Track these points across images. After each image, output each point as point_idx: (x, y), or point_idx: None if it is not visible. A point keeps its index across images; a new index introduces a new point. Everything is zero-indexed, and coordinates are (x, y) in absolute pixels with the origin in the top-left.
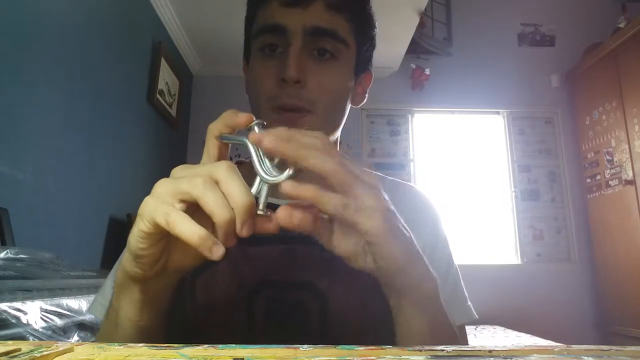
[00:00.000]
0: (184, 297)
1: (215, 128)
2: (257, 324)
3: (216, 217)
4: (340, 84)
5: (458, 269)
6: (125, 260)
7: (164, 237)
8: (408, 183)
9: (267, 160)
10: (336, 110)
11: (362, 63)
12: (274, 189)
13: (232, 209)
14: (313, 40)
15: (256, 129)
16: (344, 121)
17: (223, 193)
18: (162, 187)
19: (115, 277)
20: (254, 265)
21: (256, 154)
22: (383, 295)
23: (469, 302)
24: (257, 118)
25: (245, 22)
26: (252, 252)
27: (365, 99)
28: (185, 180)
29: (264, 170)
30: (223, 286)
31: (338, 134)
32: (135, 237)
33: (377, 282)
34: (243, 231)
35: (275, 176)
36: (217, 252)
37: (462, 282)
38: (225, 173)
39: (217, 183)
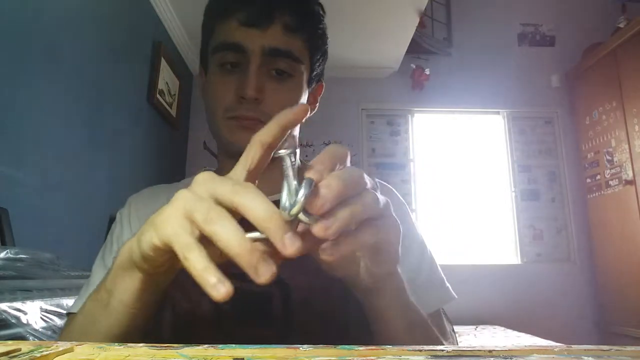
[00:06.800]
0: None
1: (268, 134)
2: (224, 313)
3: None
4: (295, 98)
5: (432, 253)
6: (134, 253)
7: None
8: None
9: (294, 183)
10: None
11: (316, 76)
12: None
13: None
14: (271, 60)
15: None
16: (298, 128)
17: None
18: (189, 204)
19: (97, 274)
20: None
21: (288, 176)
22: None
23: (447, 284)
24: (213, 124)
25: (202, 30)
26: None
27: (317, 108)
28: (204, 212)
29: (289, 199)
30: (190, 277)
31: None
32: (146, 244)
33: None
34: (287, 249)
35: (294, 204)
36: (219, 290)
37: (437, 265)
38: (251, 204)
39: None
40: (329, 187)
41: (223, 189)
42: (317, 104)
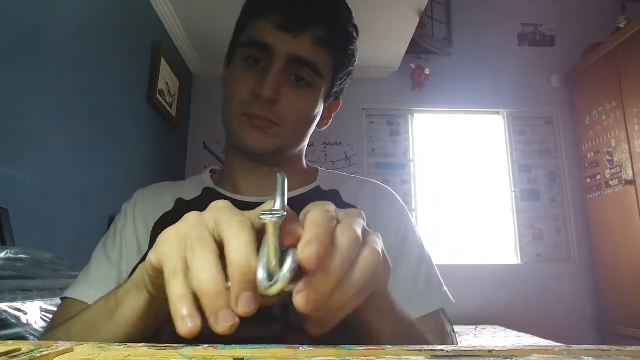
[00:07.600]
0: None
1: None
2: None
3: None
4: (309, 109)
5: (430, 257)
6: (145, 270)
7: None
8: (371, 180)
9: (275, 255)
10: (302, 130)
11: (334, 93)
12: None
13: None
14: (294, 67)
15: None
16: (307, 139)
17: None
18: (189, 228)
19: (97, 261)
20: None
21: (271, 247)
22: None
23: (445, 288)
24: (226, 116)
25: (236, 25)
26: None
27: (329, 124)
28: (193, 239)
29: (267, 272)
30: None
31: (302, 146)
32: (148, 260)
33: None
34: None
35: (276, 278)
36: (186, 324)
37: (436, 268)
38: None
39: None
40: (320, 285)
41: (224, 219)
42: (331, 120)
